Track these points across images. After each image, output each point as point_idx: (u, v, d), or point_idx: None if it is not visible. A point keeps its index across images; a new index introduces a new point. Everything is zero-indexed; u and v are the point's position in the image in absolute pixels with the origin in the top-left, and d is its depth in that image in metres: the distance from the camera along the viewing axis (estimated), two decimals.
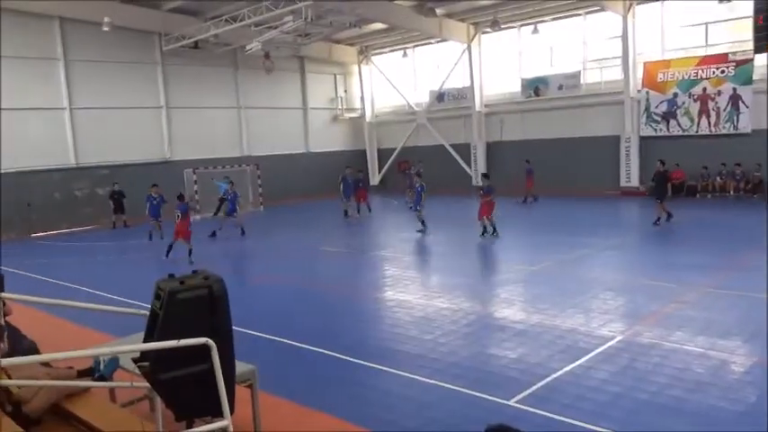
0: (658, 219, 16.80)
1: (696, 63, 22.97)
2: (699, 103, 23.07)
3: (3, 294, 5.67)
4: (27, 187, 22.58)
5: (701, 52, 22.99)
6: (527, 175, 23.93)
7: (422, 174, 20.55)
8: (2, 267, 10.88)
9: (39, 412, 4.56)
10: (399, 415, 6.02)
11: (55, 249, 19.25)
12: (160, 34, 25.72)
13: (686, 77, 23.23)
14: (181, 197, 15.84)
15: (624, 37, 24.15)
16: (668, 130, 24.03)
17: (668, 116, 23.96)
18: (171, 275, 3.67)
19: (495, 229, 16.11)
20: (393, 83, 32.54)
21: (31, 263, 16.23)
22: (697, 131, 23.25)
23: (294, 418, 6.13)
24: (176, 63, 26.74)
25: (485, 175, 17.17)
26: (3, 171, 21.84)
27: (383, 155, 33.95)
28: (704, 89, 22.80)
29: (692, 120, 23.37)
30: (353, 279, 13.19)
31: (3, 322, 5.77)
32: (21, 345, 6.48)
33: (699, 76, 22.91)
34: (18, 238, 21.73)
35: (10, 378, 4.52)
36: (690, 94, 23.20)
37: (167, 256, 15.42)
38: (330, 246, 16.82)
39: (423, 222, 17.75)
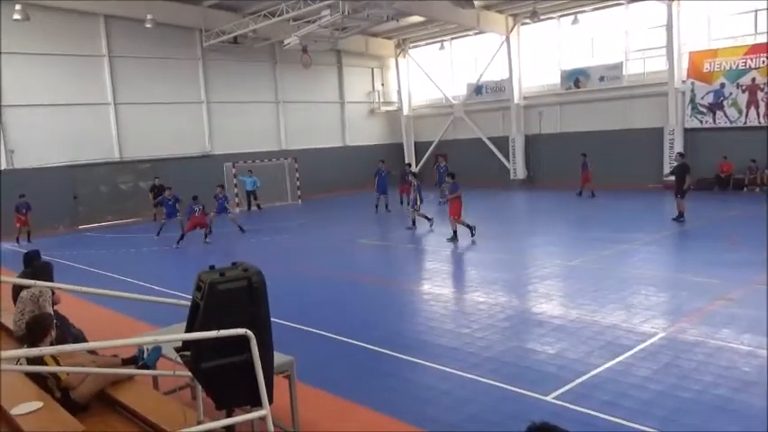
0: (680, 215, 16.13)
1: (744, 52, 22.19)
2: (747, 93, 22.30)
3: (52, 284, 5.87)
4: (73, 181, 23.37)
5: (750, 41, 22.21)
6: (582, 168, 23.15)
7: (417, 174, 20.03)
8: (51, 258, 11.26)
9: (86, 398, 4.72)
10: (436, 409, 6.02)
11: (100, 241, 19.81)
12: (201, 30, 26.16)
13: (734, 67, 22.48)
14: (195, 198, 17.56)
15: (669, 26, 23.49)
16: (714, 121, 23.32)
17: (715, 107, 23.24)
18: (211, 267, 3.73)
19: (455, 234, 15.14)
20: (430, 76, 32.38)
21: (78, 254, 16.76)
22: (745, 123, 22.50)
23: (331, 410, 6.19)
24: (216, 58, 27.17)
25: (450, 174, 15.73)
26: (51, 165, 22.64)
27: (420, 148, 33.85)
28: (753, 79, 22.03)
29: (739, 111, 22.61)
30: (389, 271, 13.22)
31: (52, 311, 5.99)
32: (69, 333, 6.72)
33: (747, 66, 22.14)
34: (66, 230, 22.47)
35: (59, 365, 4.69)
36: (738, 84, 22.44)
37: (178, 244, 17.01)
38: (367, 238, 16.88)
39: (413, 222, 17.58)
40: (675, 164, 17.10)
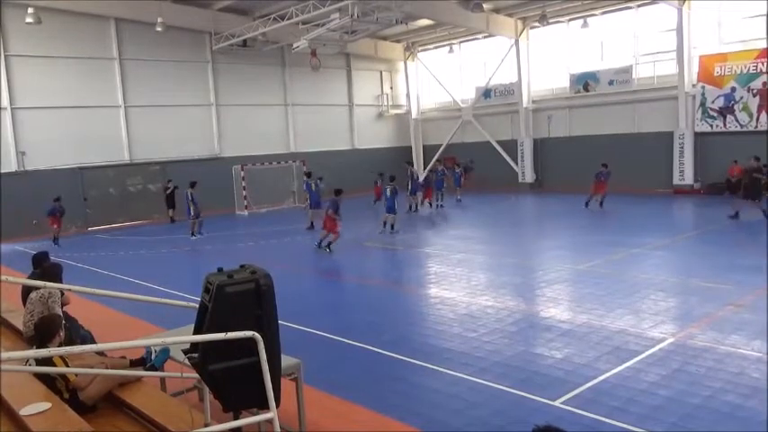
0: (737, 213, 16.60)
1: (756, 56, 22.04)
2: (758, 97, 22.15)
3: (61, 285, 5.90)
4: (84, 182, 23.52)
5: (761, 45, 22.03)
6: (604, 178, 20.84)
7: (395, 178, 19.69)
8: (61, 259, 11.33)
9: (94, 399, 4.74)
10: (443, 412, 6.00)
11: (110, 243, 19.91)
12: (210, 33, 26.30)
13: (745, 71, 22.33)
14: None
15: (679, 29, 23.38)
16: (725, 125, 23.17)
17: (725, 111, 23.09)
18: (220, 269, 3.75)
19: (329, 245, 15.33)
20: (439, 79, 32.39)
21: (88, 255, 16.86)
22: (756, 127, 22.33)
23: (338, 412, 6.19)
24: (226, 61, 27.29)
25: (336, 191, 15.69)
26: (61, 167, 22.80)
27: (429, 151, 33.84)
28: (764, 83, 21.88)
29: (750, 115, 22.45)
30: (397, 275, 13.21)
31: (61, 312, 6.02)
32: (78, 334, 6.76)
33: (758, 70, 21.98)
34: (76, 231, 22.61)
35: (68, 366, 4.71)
36: (749, 88, 22.29)
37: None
38: (374, 241, 16.87)
39: (392, 226, 17.75)
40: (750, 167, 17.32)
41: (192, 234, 19.06)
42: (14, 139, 22.07)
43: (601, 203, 20.83)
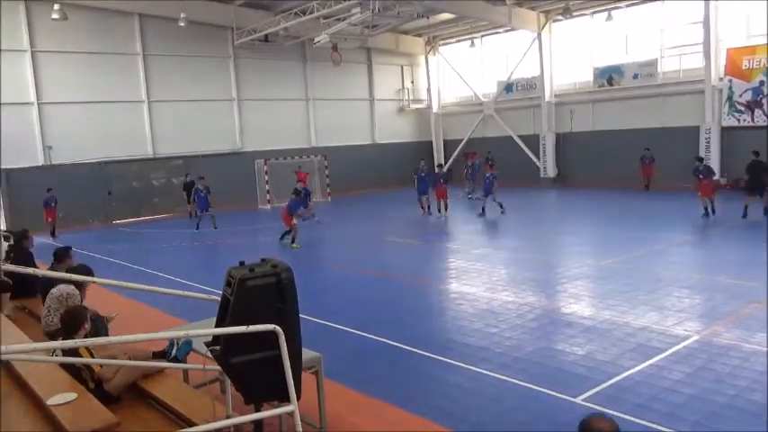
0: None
1: None
2: None
3: (87, 278, 5.99)
4: (108, 176, 23.85)
5: None
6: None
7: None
8: (85, 252, 11.48)
9: (119, 390, 4.82)
10: (463, 407, 5.99)
11: (133, 236, 20.17)
12: (232, 29, 26.43)
13: None
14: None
15: (706, 22, 22.93)
16: (753, 120, 22.70)
17: (753, 105, 22.63)
18: (241, 263, 3.77)
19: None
20: (460, 73, 32.19)
21: (112, 248, 17.10)
22: None
23: (357, 406, 6.22)
24: (247, 56, 27.42)
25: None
26: (86, 161, 23.14)
27: (449, 146, 33.69)
28: None
29: None
30: (418, 270, 13.17)
31: (85, 305, 6.12)
32: (103, 326, 6.86)
33: None
34: (101, 224, 22.97)
35: (93, 357, 4.79)
36: None
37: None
38: (396, 236, 16.87)
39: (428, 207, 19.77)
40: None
41: (197, 227, 19.36)
42: (41, 134, 22.46)
43: (713, 209, 17.08)
